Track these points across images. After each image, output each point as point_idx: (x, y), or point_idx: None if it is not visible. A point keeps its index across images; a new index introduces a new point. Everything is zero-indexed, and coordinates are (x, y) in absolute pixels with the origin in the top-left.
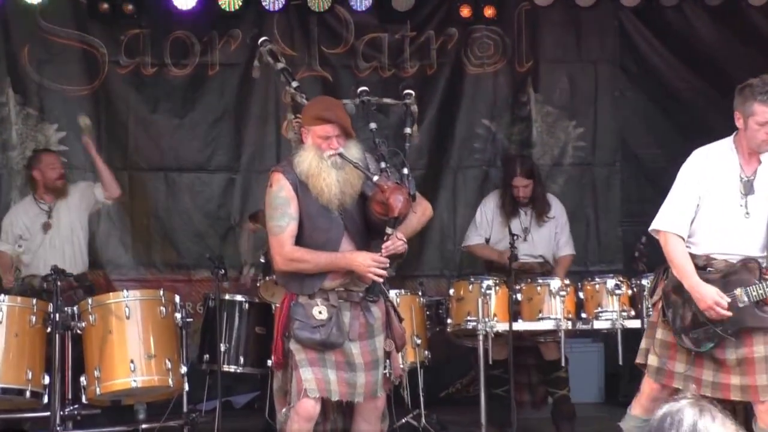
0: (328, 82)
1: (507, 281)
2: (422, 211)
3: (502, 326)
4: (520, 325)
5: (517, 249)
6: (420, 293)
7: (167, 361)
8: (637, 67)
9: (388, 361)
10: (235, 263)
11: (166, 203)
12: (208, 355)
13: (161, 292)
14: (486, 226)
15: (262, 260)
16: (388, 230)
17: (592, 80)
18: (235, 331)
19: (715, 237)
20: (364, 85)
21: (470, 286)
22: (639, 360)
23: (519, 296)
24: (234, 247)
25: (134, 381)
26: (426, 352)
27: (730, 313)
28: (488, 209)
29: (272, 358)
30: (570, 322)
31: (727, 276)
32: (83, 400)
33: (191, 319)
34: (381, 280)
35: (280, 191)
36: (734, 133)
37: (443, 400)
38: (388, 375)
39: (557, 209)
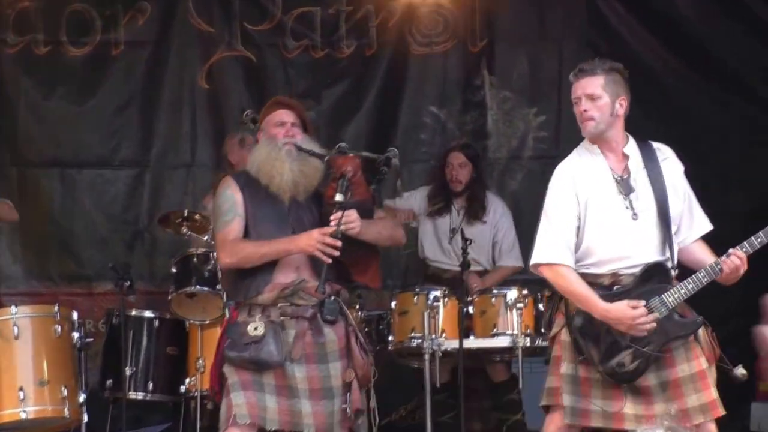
0: (252, 63)
1: (457, 292)
2: (391, 225)
3: (451, 344)
4: (471, 343)
5: (469, 255)
6: (358, 306)
7: (63, 388)
8: (608, 46)
9: (348, 393)
10: (144, 272)
11: (63, 204)
12: (111, 381)
13: (56, 308)
14: (403, 201)
15: (174, 270)
16: (338, 197)
17: (555, 61)
18: (143, 352)
19: (611, 249)
20: (293, 65)
21: (415, 298)
22: (546, 401)
23: (471, 309)
24: (142, 255)
25: (24, 412)
26: None
27: (655, 316)
28: (417, 199)
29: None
30: (528, 339)
31: (636, 289)
32: None
33: (91, 339)
34: (329, 260)
35: (226, 189)
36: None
37: (385, 428)
38: (347, 410)
39: (498, 211)
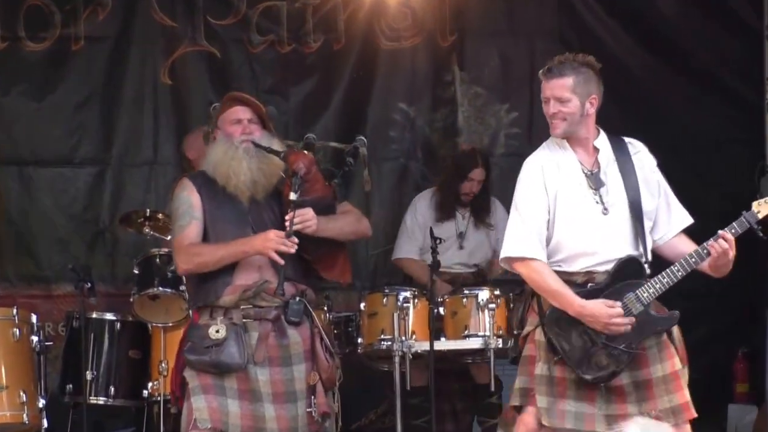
0: (216, 58)
1: (427, 293)
2: (355, 218)
3: (421, 346)
4: (442, 344)
5: (439, 254)
6: (326, 308)
7: (21, 393)
8: (580, 41)
9: (313, 396)
10: (105, 274)
11: (21, 203)
12: (71, 385)
13: (14, 311)
14: (420, 233)
15: (136, 271)
16: (292, 195)
17: (527, 56)
18: (105, 355)
19: (581, 244)
20: (259, 61)
21: (384, 299)
22: (515, 402)
23: (441, 310)
24: (103, 256)
25: None
26: None
27: (631, 320)
28: (420, 213)
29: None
30: (501, 340)
31: (610, 286)
32: None
33: (51, 343)
34: (281, 261)
35: (182, 192)
36: None
37: None
38: (313, 414)
39: (498, 213)
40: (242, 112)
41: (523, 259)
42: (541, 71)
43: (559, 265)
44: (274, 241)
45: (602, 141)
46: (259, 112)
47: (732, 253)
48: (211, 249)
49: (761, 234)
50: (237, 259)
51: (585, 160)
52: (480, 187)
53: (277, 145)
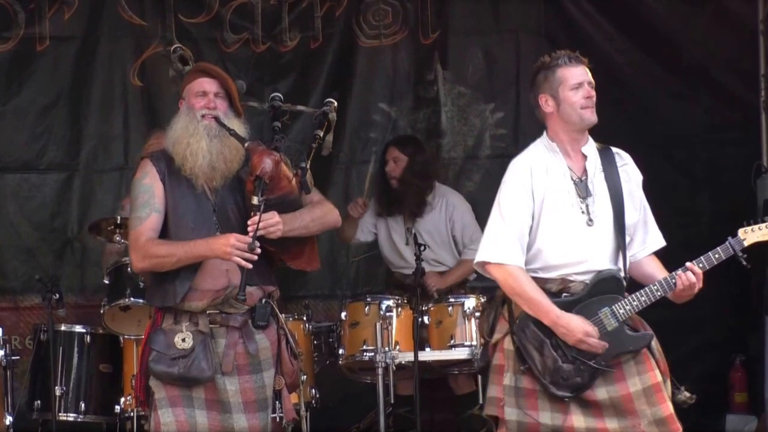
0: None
1: (411, 301)
2: (322, 212)
3: (405, 357)
4: (427, 355)
5: (423, 261)
6: (306, 318)
7: None
8: (567, 38)
9: (278, 402)
10: (74, 284)
11: None
12: (39, 402)
13: None
14: (366, 230)
15: (106, 282)
16: (255, 200)
17: (512, 54)
18: (74, 370)
19: (562, 254)
20: (233, 61)
21: (367, 308)
22: (489, 411)
23: (426, 319)
24: (72, 266)
25: None
26: (313, 391)
27: (605, 344)
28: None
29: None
30: None
31: (587, 298)
32: None
33: (18, 357)
34: (249, 266)
35: (143, 178)
36: (544, 133)
37: None
38: (278, 419)
39: (450, 203)
40: (208, 84)
41: (499, 264)
42: (561, 59)
43: (536, 272)
44: (235, 247)
45: (590, 148)
46: (226, 86)
47: (698, 287)
48: (169, 249)
49: (744, 262)
50: (195, 261)
51: (574, 167)
52: (399, 170)
53: (240, 127)
